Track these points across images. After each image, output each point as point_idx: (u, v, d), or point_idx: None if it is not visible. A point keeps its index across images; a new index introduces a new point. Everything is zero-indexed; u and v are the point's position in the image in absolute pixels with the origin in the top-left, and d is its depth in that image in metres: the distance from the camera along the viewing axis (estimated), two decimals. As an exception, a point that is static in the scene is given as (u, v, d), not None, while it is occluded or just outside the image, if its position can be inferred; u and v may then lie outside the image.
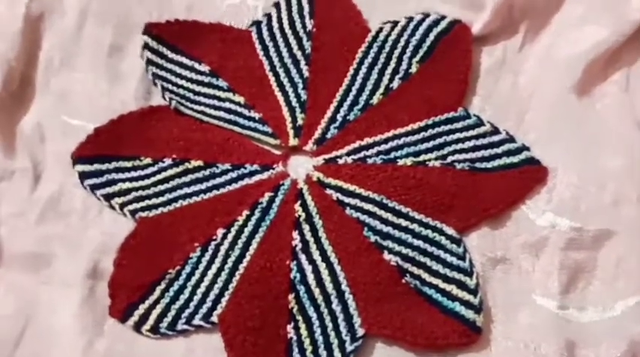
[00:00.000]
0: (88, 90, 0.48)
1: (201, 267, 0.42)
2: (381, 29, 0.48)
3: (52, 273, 0.42)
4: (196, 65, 0.49)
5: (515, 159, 0.44)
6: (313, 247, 0.42)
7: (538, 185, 0.43)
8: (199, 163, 0.45)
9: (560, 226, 0.41)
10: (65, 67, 0.49)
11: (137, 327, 0.40)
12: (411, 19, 0.48)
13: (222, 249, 0.42)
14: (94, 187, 0.45)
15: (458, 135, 0.44)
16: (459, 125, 0.45)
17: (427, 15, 0.48)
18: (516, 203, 0.42)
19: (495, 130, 0.45)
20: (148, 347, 0.40)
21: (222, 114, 0.47)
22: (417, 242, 0.41)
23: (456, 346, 0.38)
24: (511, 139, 0.44)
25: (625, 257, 0.40)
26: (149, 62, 0.48)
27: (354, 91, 0.47)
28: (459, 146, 0.44)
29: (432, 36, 0.47)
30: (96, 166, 0.45)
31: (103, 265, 0.42)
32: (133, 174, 0.45)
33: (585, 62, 0.45)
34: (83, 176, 0.45)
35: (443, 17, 0.48)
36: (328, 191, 0.44)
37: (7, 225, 0.44)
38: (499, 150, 0.44)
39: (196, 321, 0.40)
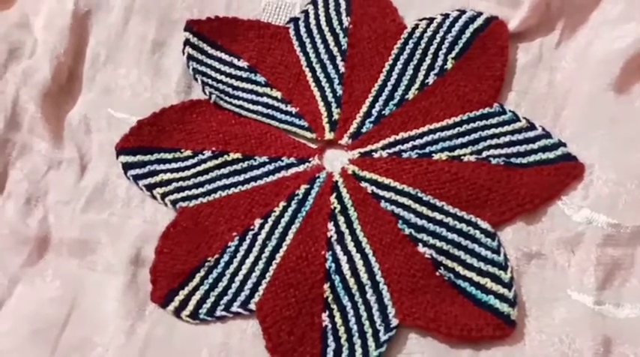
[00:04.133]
0: (132, 84, 0.49)
1: (239, 256, 0.43)
2: (416, 26, 0.49)
3: (96, 259, 0.44)
4: (235, 61, 0.50)
5: (551, 155, 0.43)
6: (348, 238, 0.42)
7: (574, 181, 0.42)
8: (238, 155, 0.46)
9: (596, 222, 0.41)
10: (110, 62, 0.50)
11: (177, 312, 0.42)
12: (447, 15, 0.48)
13: (260, 239, 0.43)
14: (136, 178, 0.46)
15: (493, 130, 0.45)
16: (494, 121, 0.45)
17: (463, 12, 0.48)
18: (552, 199, 0.42)
19: (531, 126, 0.45)
20: (186, 332, 0.41)
21: (260, 108, 0.48)
22: (451, 235, 0.41)
23: (489, 338, 0.39)
24: (547, 135, 0.44)
25: (663, 255, 0.40)
26: (190, 58, 0.50)
27: (389, 87, 0.47)
28: (495, 141, 0.44)
29: (468, 33, 0.47)
30: (138, 158, 0.47)
31: (145, 252, 0.43)
32: (174, 165, 0.46)
33: (624, 59, 0.44)
34: (126, 167, 0.46)
35: (479, 14, 0.48)
36: (363, 184, 0.44)
37: (54, 212, 0.46)
38: (535, 146, 0.44)
39: (234, 308, 0.41)
